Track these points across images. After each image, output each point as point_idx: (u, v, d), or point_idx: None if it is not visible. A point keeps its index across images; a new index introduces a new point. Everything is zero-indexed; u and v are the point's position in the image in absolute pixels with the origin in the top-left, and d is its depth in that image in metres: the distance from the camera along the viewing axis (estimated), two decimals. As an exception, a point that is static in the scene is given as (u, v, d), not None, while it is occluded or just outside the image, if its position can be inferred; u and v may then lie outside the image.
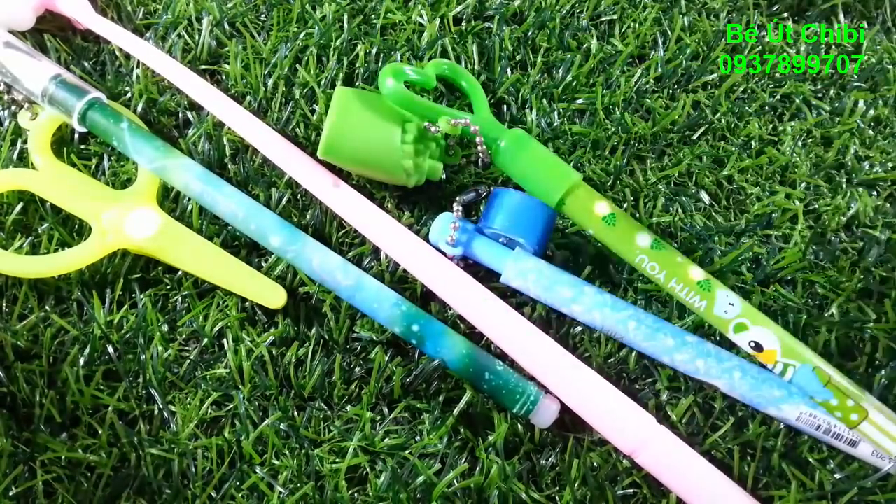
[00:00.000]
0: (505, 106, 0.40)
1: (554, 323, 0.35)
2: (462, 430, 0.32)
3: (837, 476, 0.32)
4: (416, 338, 0.32)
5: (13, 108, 0.39)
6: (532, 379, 0.32)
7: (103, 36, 0.40)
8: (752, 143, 0.40)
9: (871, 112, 0.41)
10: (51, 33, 0.41)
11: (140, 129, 0.36)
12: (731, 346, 0.34)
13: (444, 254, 0.34)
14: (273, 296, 0.33)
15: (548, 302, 0.34)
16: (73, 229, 0.36)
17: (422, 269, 0.34)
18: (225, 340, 0.33)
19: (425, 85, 0.36)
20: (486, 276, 0.35)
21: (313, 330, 0.34)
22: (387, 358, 0.33)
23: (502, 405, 0.32)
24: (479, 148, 0.35)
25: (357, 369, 0.33)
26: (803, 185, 0.39)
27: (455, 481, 0.31)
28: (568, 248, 0.36)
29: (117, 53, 0.41)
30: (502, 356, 0.33)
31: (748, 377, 0.32)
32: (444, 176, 0.37)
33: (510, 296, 0.35)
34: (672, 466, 0.30)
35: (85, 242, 0.34)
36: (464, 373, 0.32)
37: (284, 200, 0.36)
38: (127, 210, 0.35)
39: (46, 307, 0.34)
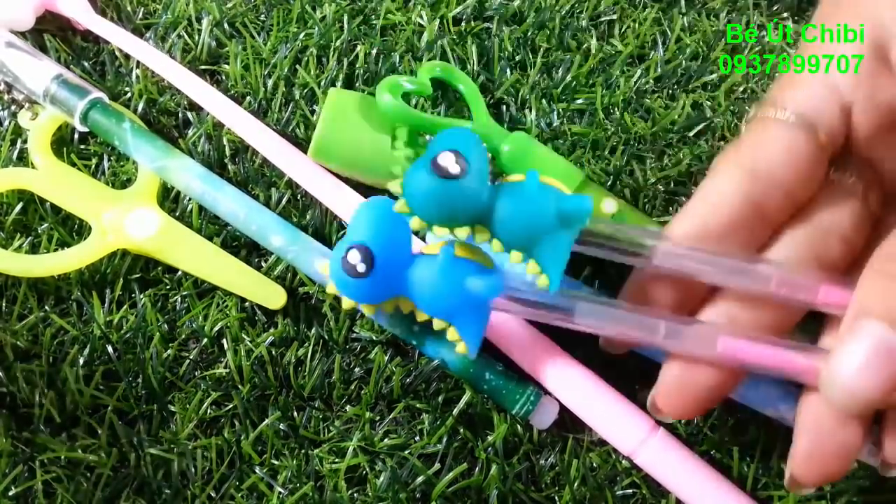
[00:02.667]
0: (504, 106, 0.40)
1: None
2: (462, 430, 0.32)
3: (837, 476, 0.32)
4: (417, 338, 0.32)
5: (13, 107, 0.39)
6: (531, 380, 0.32)
7: (103, 36, 0.40)
8: (752, 143, 0.40)
9: None
10: (51, 33, 0.41)
11: (142, 129, 0.36)
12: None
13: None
14: (273, 296, 0.33)
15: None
16: (73, 229, 0.36)
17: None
18: (224, 340, 0.33)
19: (422, 93, 0.36)
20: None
21: (313, 330, 0.34)
22: (386, 358, 0.33)
23: (501, 406, 0.32)
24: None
25: (357, 369, 0.33)
26: (803, 185, 0.39)
27: (455, 481, 0.31)
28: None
29: (117, 54, 0.41)
30: (500, 358, 0.33)
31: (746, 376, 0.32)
32: None
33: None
34: (671, 467, 0.30)
35: (85, 242, 0.34)
36: (464, 373, 0.32)
37: (284, 200, 0.37)
38: (127, 210, 0.35)
39: (46, 307, 0.34)
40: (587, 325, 0.28)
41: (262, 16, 0.43)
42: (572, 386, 0.31)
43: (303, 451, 0.31)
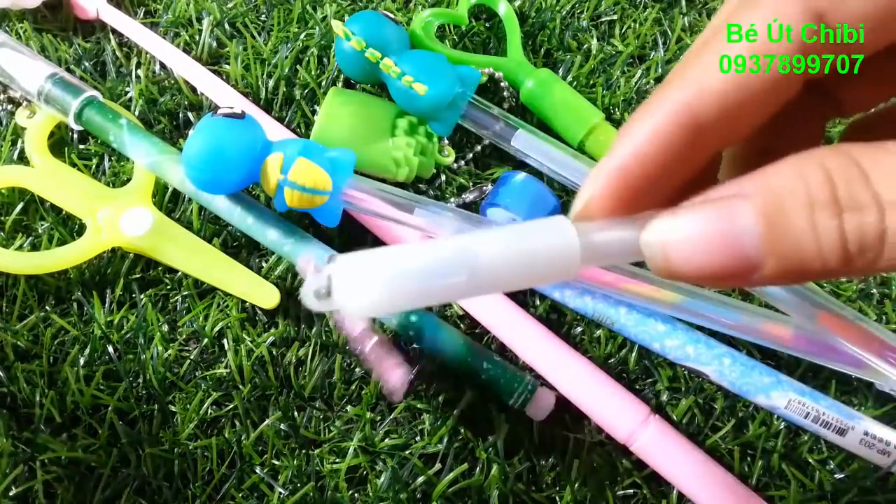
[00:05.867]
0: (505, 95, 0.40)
1: (554, 324, 0.35)
2: (462, 430, 0.32)
3: (837, 476, 0.32)
4: (414, 329, 0.32)
5: (10, 106, 0.39)
6: (527, 371, 0.32)
7: (109, 23, 0.40)
8: (753, 143, 0.40)
9: (872, 112, 0.41)
10: (52, 34, 0.41)
11: (138, 127, 0.36)
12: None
13: None
14: (266, 296, 0.33)
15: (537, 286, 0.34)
16: (73, 230, 0.36)
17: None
18: (225, 340, 0.33)
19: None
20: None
21: (314, 330, 0.34)
22: (387, 358, 0.33)
23: (499, 396, 0.32)
24: (504, 93, 0.39)
25: (357, 369, 0.33)
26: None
27: (455, 481, 0.31)
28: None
29: (118, 54, 0.41)
30: (497, 351, 0.33)
31: (738, 364, 0.32)
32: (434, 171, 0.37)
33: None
34: (666, 455, 0.30)
35: (80, 239, 0.34)
36: (462, 363, 0.32)
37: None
38: (121, 208, 0.35)
39: (46, 307, 0.34)
40: (422, 224, 0.31)
41: (263, 16, 0.43)
42: (569, 373, 0.32)
43: (303, 452, 0.31)
